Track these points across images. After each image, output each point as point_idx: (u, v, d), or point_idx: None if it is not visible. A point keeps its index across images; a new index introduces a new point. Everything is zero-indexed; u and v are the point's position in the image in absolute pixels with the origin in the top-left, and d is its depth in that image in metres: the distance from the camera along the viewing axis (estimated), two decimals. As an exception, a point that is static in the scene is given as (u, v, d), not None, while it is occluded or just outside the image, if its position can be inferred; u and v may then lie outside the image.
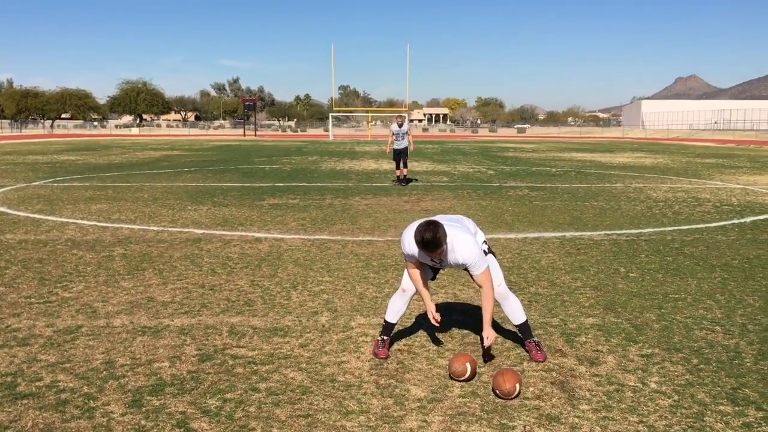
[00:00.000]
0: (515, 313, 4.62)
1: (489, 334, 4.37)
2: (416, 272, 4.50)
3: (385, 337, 4.68)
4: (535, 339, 4.68)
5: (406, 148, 17.06)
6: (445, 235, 4.13)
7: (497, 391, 3.92)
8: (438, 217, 4.47)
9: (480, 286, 4.37)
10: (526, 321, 4.65)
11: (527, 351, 4.63)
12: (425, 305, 4.58)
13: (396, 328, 4.93)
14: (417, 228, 4.15)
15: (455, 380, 4.16)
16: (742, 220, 10.91)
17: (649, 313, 5.64)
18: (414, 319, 5.43)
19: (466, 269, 4.41)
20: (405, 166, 17.23)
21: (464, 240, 4.28)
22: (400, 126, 17.09)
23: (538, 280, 6.77)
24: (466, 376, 4.13)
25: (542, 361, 4.50)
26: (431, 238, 4.05)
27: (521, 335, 4.71)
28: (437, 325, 4.53)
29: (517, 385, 3.90)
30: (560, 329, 5.21)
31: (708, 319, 5.48)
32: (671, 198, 14.14)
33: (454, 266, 4.42)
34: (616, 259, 7.74)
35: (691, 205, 12.83)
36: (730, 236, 9.37)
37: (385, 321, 4.70)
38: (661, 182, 18.19)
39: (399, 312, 4.68)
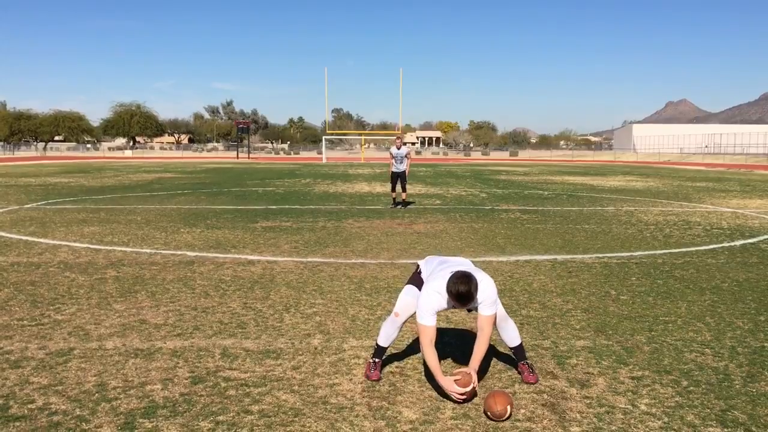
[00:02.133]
0: (512, 336, 4.64)
1: (475, 379, 4.22)
2: (432, 338, 4.27)
3: (377, 360, 4.69)
4: (528, 361, 4.71)
5: (404, 172, 17.10)
6: (477, 288, 4.14)
7: (488, 413, 3.95)
8: (444, 259, 4.56)
9: (481, 329, 4.34)
10: (521, 344, 4.69)
11: (519, 372, 4.67)
12: (439, 381, 4.25)
13: (388, 351, 4.96)
14: (451, 280, 4.13)
15: (454, 400, 4.17)
16: (732, 244, 11.00)
17: (640, 335, 5.69)
18: (406, 342, 5.45)
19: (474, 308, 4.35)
20: (404, 190, 17.29)
21: (486, 281, 4.32)
22: (399, 149, 17.09)
23: (529, 302, 6.81)
24: (470, 388, 4.13)
25: (534, 383, 4.53)
26: (466, 292, 4.08)
27: (515, 357, 4.74)
28: (461, 400, 4.17)
29: (509, 407, 3.93)
30: (551, 351, 5.24)
31: (698, 341, 5.53)
32: (662, 221, 14.23)
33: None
34: (607, 282, 7.80)
35: (681, 229, 12.92)
36: (720, 259, 9.44)
37: (377, 344, 4.72)
38: (652, 205, 18.32)
39: (391, 337, 4.68)
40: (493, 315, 4.34)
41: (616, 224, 13.58)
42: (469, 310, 4.51)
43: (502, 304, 6.54)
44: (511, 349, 4.72)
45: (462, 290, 4.08)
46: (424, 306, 4.28)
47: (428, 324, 4.26)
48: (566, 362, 4.98)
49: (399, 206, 17.10)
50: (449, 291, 4.13)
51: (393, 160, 17.17)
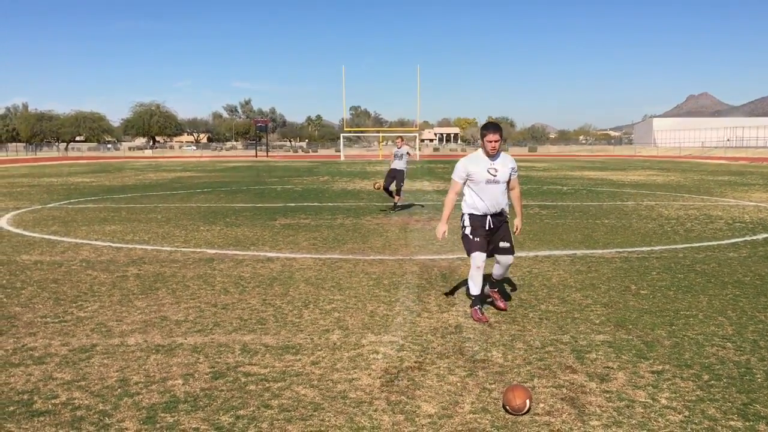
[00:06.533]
0: (504, 273, 6.24)
1: (521, 223, 6.34)
2: (453, 202, 6.13)
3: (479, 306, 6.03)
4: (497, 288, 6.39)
5: (402, 171, 15.77)
6: (501, 128, 5.95)
7: (507, 407, 3.94)
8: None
9: (514, 188, 6.21)
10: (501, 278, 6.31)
11: (492, 300, 6.33)
12: (442, 222, 6.23)
13: (407, 345, 4.97)
14: (484, 124, 5.92)
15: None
16: (755, 237, 10.88)
17: (660, 329, 5.65)
18: (425, 337, 5.46)
19: (513, 174, 6.06)
20: (398, 192, 15.77)
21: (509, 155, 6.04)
22: (399, 148, 15.91)
23: (548, 297, 6.79)
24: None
25: (504, 310, 6.18)
26: (495, 123, 5.94)
27: (492, 284, 6.34)
28: (443, 236, 6.19)
29: (528, 401, 3.92)
30: (571, 346, 5.22)
31: (719, 335, 5.48)
32: (683, 215, 14.11)
33: (503, 170, 5.95)
34: (627, 277, 7.75)
35: (703, 223, 12.80)
36: (742, 253, 9.34)
37: (474, 295, 6.00)
38: (673, 200, 18.16)
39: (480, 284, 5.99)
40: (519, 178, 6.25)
41: (636, 219, 13.48)
42: (495, 173, 5.96)
43: (521, 299, 6.57)
44: (492, 276, 6.24)
45: (491, 122, 5.93)
46: (458, 168, 6.10)
47: (457, 180, 6.15)
48: (585, 357, 4.96)
49: (397, 208, 15.73)
50: (484, 126, 5.87)
51: (393, 157, 15.99)
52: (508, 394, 3.98)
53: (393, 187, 15.66)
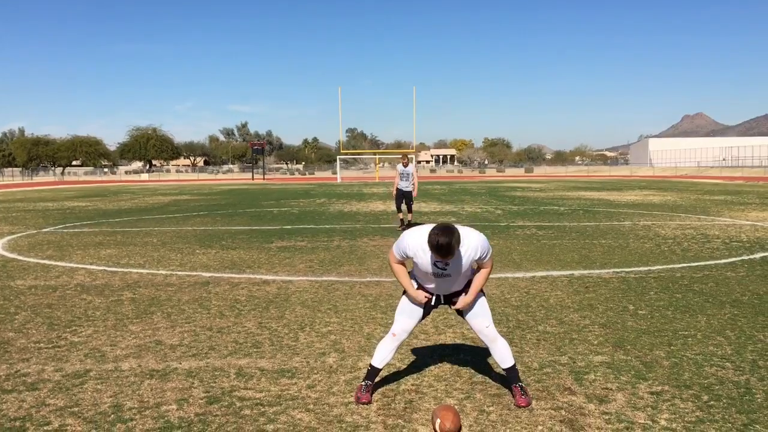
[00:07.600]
0: (504, 356, 4.51)
1: (468, 300, 4.45)
2: (404, 269, 4.56)
3: (369, 382, 4.56)
4: (521, 384, 4.52)
5: (410, 192, 16.42)
6: (459, 242, 4.08)
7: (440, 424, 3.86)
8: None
9: (485, 267, 4.44)
10: (514, 365, 4.53)
11: (513, 395, 4.49)
12: (410, 292, 4.54)
13: (403, 368, 4.93)
14: (432, 232, 4.07)
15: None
16: (752, 257, 10.86)
17: (659, 350, 5.61)
18: (422, 359, 5.42)
19: (477, 261, 4.34)
20: (410, 210, 16.59)
21: (473, 231, 4.33)
22: (406, 166, 16.49)
23: (546, 318, 6.75)
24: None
25: (526, 407, 4.34)
26: (446, 243, 4.00)
27: (508, 379, 4.59)
28: (426, 300, 4.51)
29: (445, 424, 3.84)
30: (569, 367, 5.18)
31: (718, 355, 5.45)
32: (680, 235, 14.10)
33: (459, 263, 4.27)
34: (624, 297, 7.72)
35: (700, 242, 12.79)
36: (739, 272, 9.32)
37: (370, 366, 4.60)
38: (670, 219, 18.16)
39: (386, 358, 4.57)
40: (491, 257, 4.42)
41: (633, 239, 13.47)
42: (443, 271, 4.34)
43: (519, 320, 6.53)
44: (503, 369, 4.59)
45: (442, 242, 4.00)
46: (398, 245, 4.43)
47: (396, 255, 4.49)
48: (584, 378, 4.92)
49: (407, 228, 16.25)
50: (430, 243, 4.07)
51: (398, 177, 16.50)
52: (445, 413, 3.90)
53: (404, 207, 16.47)
